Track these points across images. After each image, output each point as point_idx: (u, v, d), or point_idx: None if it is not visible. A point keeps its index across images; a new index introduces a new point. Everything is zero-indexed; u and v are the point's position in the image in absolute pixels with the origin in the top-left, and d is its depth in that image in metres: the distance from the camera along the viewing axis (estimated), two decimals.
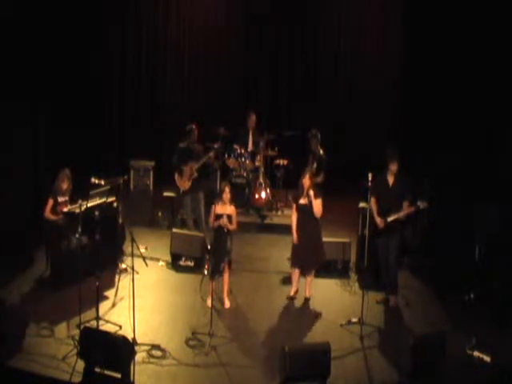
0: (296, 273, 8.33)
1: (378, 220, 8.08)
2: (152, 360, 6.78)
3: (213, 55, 13.18)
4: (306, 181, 8.02)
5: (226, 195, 7.87)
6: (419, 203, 7.80)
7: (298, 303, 8.31)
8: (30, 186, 9.44)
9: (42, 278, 8.59)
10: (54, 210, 8.56)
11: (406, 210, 7.92)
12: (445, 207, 9.39)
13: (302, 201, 8.10)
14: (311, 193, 7.96)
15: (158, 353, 6.90)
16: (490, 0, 10.19)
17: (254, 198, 11.10)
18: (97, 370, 6.34)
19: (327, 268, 9.04)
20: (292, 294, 8.36)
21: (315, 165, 10.04)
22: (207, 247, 8.98)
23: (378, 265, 8.32)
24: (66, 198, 8.67)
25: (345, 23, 13.04)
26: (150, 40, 13.13)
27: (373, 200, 8.13)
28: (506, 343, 7.25)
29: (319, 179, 9.72)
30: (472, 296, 8.32)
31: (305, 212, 8.07)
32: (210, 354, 6.96)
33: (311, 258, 8.18)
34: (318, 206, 7.99)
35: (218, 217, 7.84)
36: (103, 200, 8.81)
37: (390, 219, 7.99)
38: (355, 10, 13.00)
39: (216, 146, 10.49)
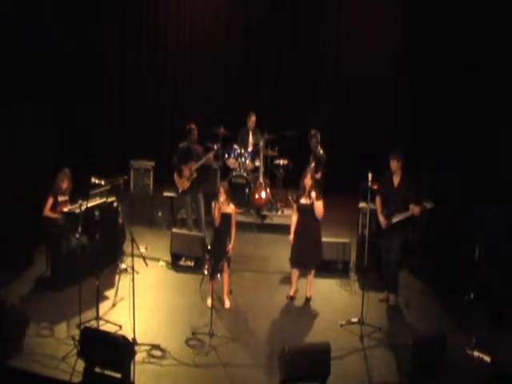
0: (295, 273, 8.34)
1: (382, 219, 8.11)
2: (152, 360, 6.78)
3: (213, 55, 13.18)
4: (308, 180, 8.01)
5: (221, 195, 7.87)
6: (426, 203, 7.78)
7: (298, 303, 8.32)
8: (29, 186, 9.43)
9: (42, 277, 8.59)
10: (53, 209, 8.56)
11: (412, 210, 7.89)
12: (445, 207, 9.38)
13: (303, 200, 8.11)
14: (313, 195, 7.97)
15: (157, 353, 6.91)
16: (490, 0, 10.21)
17: (254, 198, 11.11)
18: (97, 370, 6.36)
19: (327, 268, 9.05)
20: (292, 293, 8.37)
21: (313, 164, 10.04)
22: (207, 247, 8.97)
23: (380, 264, 8.35)
24: (66, 198, 8.67)
25: (345, 23, 13.04)
26: (150, 40, 13.14)
27: (378, 200, 8.18)
28: (506, 343, 7.25)
29: (317, 176, 9.73)
30: (472, 296, 8.32)
31: (305, 212, 8.08)
32: (210, 353, 6.97)
33: (311, 258, 8.19)
34: (319, 207, 8.01)
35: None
36: (103, 200, 8.82)
37: (395, 220, 7.99)
38: (355, 10, 12.99)
39: (216, 146, 10.49)
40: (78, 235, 7.90)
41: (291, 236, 8.22)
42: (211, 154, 10.19)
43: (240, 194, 11.02)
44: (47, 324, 7.36)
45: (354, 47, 13.01)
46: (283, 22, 12.94)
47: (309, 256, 8.15)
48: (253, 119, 11.39)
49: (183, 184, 9.98)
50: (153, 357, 6.84)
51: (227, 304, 8.10)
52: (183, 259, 9.31)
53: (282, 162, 11.40)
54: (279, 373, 6.44)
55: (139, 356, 6.72)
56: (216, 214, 7.86)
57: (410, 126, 12.17)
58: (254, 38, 13.07)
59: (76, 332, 6.95)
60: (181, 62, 13.24)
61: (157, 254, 9.57)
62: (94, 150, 12.27)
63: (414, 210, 7.84)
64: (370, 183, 7.79)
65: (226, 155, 11.25)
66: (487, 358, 6.94)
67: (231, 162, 11.32)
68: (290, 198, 11.24)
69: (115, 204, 9.22)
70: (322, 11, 12.91)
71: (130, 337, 6.66)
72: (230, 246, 7.92)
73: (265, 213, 11.21)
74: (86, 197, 8.21)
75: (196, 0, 13.10)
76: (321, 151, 10.38)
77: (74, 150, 11.07)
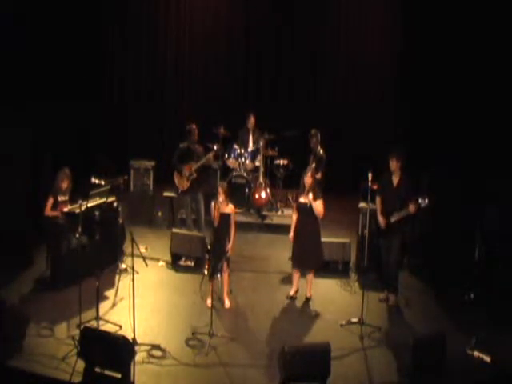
0: (296, 272, 8.34)
1: (381, 219, 8.12)
2: (152, 360, 6.78)
3: (213, 55, 13.18)
4: (308, 179, 8.02)
5: (220, 195, 7.87)
6: (420, 201, 7.81)
7: (298, 303, 8.32)
8: (30, 186, 9.44)
9: (42, 277, 8.59)
10: (53, 209, 8.55)
11: (409, 208, 7.92)
12: (445, 206, 9.38)
13: (302, 199, 8.10)
14: (310, 196, 7.96)
15: (158, 353, 6.90)
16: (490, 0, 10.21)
17: (254, 198, 11.10)
18: (97, 370, 6.36)
19: (327, 268, 9.05)
20: (292, 293, 8.37)
21: (314, 164, 10.04)
22: (207, 247, 8.97)
23: (380, 264, 8.36)
24: (66, 198, 8.67)
25: (345, 23, 13.03)
26: (150, 40, 13.13)
27: (378, 200, 8.21)
28: (506, 343, 7.25)
29: (317, 176, 9.73)
30: (472, 296, 8.32)
31: (304, 211, 8.08)
32: (210, 353, 6.97)
33: (310, 258, 8.18)
34: (318, 206, 8.00)
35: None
36: (103, 200, 8.82)
37: (393, 219, 8.02)
38: (355, 10, 12.99)
39: (216, 147, 10.49)
40: (78, 235, 7.89)
41: (291, 234, 8.23)
42: (211, 154, 10.19)
43: (240, 194, 11.02)
44: (47, 324, 7.36)
45: (354, 47, 12.99)
46: (283, 22, 12.92)
47: (308, 256, 8.14)
48: (252, 121, 11.38)
49: (183, 184, 9.98)
50: (153, 357, 6.84)
51: (227, 304, 8.10)
52: (183, 259, 9.31)
53: (281, 162, 11.39)
54: (279, 373, 6.43)
55: (139, 356, 6.72)
56: (215, 214, 7.87)
57: (410, 126, 12.16)
58: (254, 38, 13.06)
59: (76, 332, 6.94)
60: (181, 62, 13.24)
61: (157, 254, 9.57)
62: (94, 150, 12.27)
63: (410, 207, 7.87)
64: (369, 183, 7.81)
65: (226, 155, 11.24)
66: (487, 358, 6.94)
67: (231, 162, 11.31)
68: (289, 197, 11.24)
69: (115, 204, 9.21)
70: (322, 11, 12.90)
71: (130, 337, 6.66)
72: (229, 246, 7.93)
73: (265, 213, 11.21)
74: (86, 197, 8.21)
75: (196, 0, 13.10)
76: (321, 151, 10.38)
77: (74, 150, 11.07)
